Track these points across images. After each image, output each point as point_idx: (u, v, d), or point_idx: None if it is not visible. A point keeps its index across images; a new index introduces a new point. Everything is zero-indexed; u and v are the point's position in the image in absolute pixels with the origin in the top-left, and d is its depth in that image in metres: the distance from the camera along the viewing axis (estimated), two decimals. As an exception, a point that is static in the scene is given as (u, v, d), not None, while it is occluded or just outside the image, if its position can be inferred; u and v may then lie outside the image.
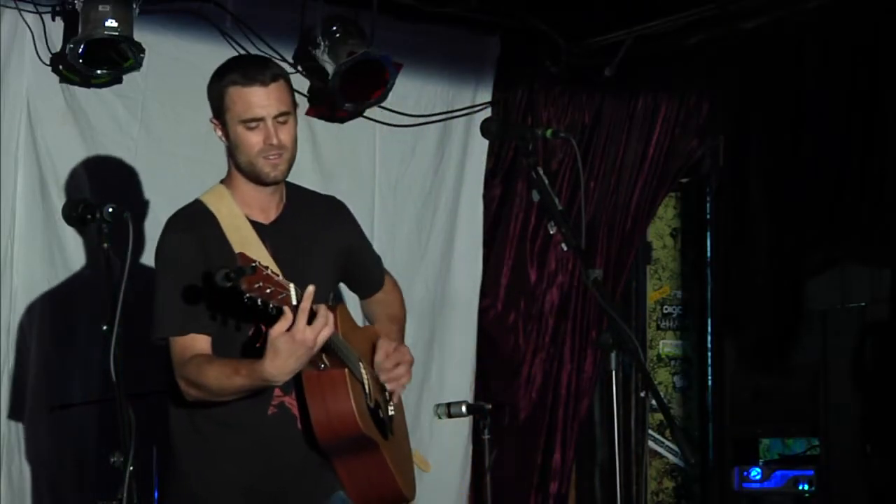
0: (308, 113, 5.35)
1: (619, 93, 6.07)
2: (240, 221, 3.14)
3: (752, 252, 6.17)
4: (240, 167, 3.34)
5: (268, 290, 2.87)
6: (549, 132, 3.44)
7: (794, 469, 5.86)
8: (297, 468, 3.29)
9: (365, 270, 3.72)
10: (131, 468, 2.81)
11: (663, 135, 6.17)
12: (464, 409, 4.59)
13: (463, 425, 5.71)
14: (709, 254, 6.57)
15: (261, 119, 3.28)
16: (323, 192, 5.33)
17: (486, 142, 5.71)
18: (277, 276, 2.92)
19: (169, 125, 5.02)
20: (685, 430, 6.51)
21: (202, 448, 3.34)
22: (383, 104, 5.34)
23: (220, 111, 3.33)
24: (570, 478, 6.14)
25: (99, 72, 4.57)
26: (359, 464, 3.24)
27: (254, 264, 2.84)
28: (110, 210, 3.02)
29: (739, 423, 6.11)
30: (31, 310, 4.73)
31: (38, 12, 4.65)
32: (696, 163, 6.43)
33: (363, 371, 3.33)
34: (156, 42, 4.78)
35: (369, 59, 5.03)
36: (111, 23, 4.48)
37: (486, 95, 5.83)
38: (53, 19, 4.69)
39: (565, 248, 3.27)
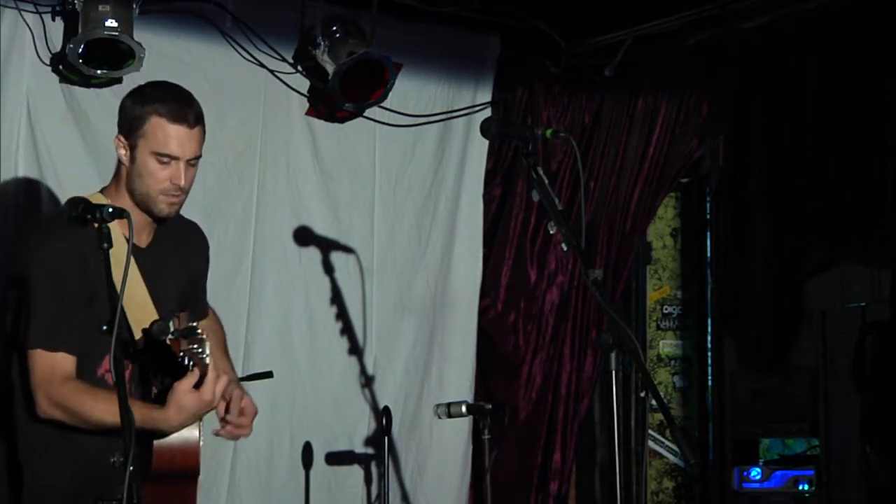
0: (308, 113, 5.36)
1: (619, 93, 6.07)
2: (116, 237, 3.09)
3: (752, 252, 6.16)
4: (134, 192, 3.38)
5: (196, 350, 3.03)
6: (549, 132, 3.45)
7: (794, 469, 5.87)
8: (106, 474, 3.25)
9: (197, 298, 3.80)
10: (131, 468, 2.80)
11: (663, 135, 6.16)
12: (464, 409, 4.60)
13: (463, 425, 5.71)
14: (709, 254, 6.57)
15: (176, 158, 3.33)
16: (323, 192, 5.42)
17: (486, 142, 5.71)
18: (203, 336, 3.03)
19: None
20: (685, 430, 6.51)
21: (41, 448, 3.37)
22: (383, 104, 5.33)
23: (132, 132, 3.36)
24: (570, 478, 6.14)
25: (99, 72, 4.56)
26: (173, 494, 3.32)
27: (193, 325, 2.99)
28: (110, 210, 3.02)
29: (739, 423, 6.11)
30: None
31: (38, 12, 4.65)
32: (696, 163, 6.43)
33: None
34: (156, 42, 4.77)
35: (369, 59, 5.03)
36: (111, 23, 4.48)
37: (486, 95, 5.83)
38: (53, 19, 4.69)
39: (565, 248, 3.28)
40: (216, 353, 3.75)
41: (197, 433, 3.29)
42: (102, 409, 3.21)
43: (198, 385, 3.11)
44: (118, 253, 3.06)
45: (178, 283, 3.59)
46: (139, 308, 3.29)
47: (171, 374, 3.14)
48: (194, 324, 3.02)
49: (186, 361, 3.03)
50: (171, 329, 3.03)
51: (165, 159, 3.32)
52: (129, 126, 3.36)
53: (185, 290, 3.66)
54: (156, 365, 3.19)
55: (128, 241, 3.02)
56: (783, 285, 6.06)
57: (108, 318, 2.90)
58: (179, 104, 3.35)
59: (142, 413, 3.11)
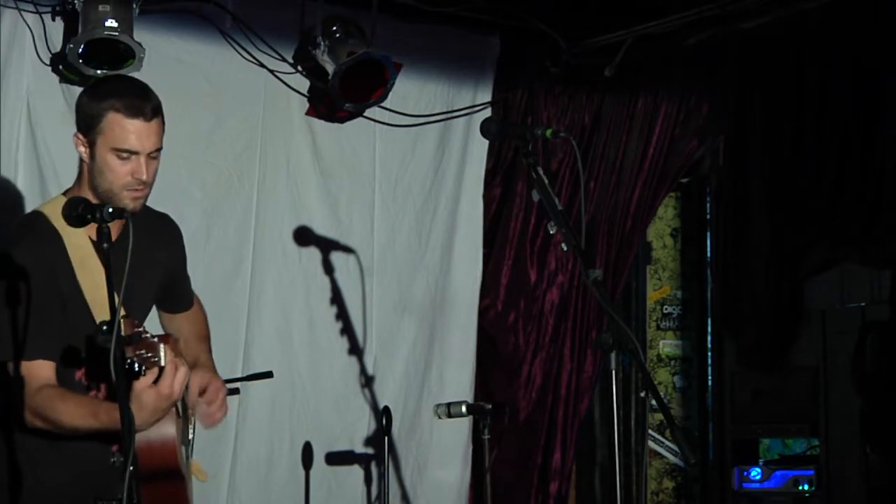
0: (308, 113, 5.36)
1: (619, 93, 6.07)
2: (82, 241, 3.05)
3: (752, 252, 6.16)
4: (97, 189, 3.33)
5: (147, 355, 2.97)
6: (549, 132, 3.44)
7: (794, 469, 5.87)
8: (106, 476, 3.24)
9: (181, 290, 3.78)
10: (131, 468, 2.79)
11: (663, 135, 6.16)
12: (464, 409, 4.60)
13: (463, 425, 5.71)
14: (709, 254, 6.57)
15: (136, 153, 3.29)
16: (323, 192, 5.42)
17: (486, 142, 5.71)
18: (153, 338, 2.99)
19: (168, 125, 4.94)
20: (685, 430, 6.51)
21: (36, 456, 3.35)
22: (383, 104, 5.33)
23: (89, 129, 3.31)
24: (570, 478, 6.14)
25: (99, 72, 4.56)
26: (162, 492, 3.28)
27: (139, 330, 2.93)
28: (110, 210, 3.01)
29: (739, 423, 6.11)
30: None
31: (38, 12, 4.65)
32: (696, 163, 6.43)
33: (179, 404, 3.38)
34: (156, 42, 4.77)
35: (369, 59, 5.02)
36: (111, 23, 4.48)
37: (486, 95, 5.83)
38: (53, 19, 4.69)
39: (565, 249, 3.28)
40: (191, 343, 3.73)
41: (173, 430, 3.26)
42: (71, 413, 3.20)
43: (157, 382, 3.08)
44: (83, 248, 3.01)
45: (154, 278, 3.56)
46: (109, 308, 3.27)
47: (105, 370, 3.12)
48: (140, 329, 2.96)
49: (137, 367, 2.99)
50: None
51: (125, 155, 3.28)
52: (87, 123, 3.32)
53: (164, 283, 3.63)
54: (104, 372, 3.15)
55: (108, 243, 2.99)
56: (783, 285, 6.06)
57: (85, 322, 2.86)
58: (135, 98, 3.30)
59: (108, 416, 3.11)
